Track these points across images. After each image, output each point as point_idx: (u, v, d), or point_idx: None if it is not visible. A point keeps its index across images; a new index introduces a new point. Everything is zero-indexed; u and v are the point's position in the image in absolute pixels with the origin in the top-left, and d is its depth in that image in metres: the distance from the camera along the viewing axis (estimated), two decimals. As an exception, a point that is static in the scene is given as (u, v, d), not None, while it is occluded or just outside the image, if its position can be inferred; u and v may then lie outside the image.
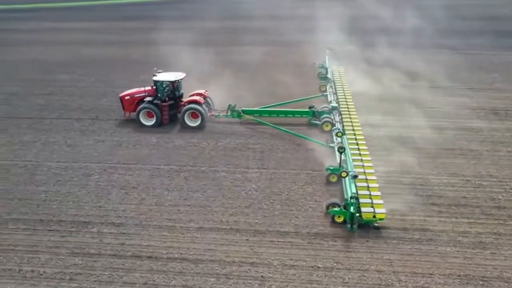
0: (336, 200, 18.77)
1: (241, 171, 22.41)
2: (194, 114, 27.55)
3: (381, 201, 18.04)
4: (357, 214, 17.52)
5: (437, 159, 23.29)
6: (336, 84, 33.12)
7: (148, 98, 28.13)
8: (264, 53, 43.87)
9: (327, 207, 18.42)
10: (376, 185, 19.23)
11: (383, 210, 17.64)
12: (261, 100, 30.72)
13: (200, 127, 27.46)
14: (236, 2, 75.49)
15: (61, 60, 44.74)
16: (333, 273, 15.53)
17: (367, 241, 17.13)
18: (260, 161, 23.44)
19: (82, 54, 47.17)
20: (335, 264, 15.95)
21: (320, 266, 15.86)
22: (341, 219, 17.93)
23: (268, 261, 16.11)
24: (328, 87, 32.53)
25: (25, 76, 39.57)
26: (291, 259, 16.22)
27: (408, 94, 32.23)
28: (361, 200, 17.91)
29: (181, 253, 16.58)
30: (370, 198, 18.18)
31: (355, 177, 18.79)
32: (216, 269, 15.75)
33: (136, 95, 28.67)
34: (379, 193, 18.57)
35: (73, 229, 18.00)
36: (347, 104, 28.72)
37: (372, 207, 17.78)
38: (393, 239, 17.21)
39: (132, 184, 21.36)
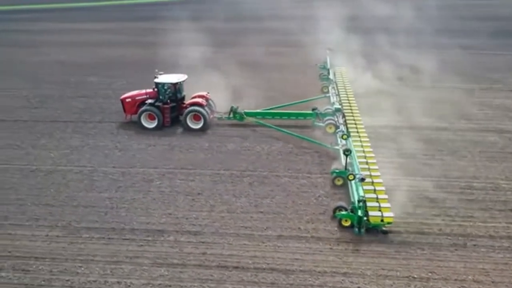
0: (343, 203, 18.46)
1: (304, 176, 21.93)
2: (197, 116, 27.30)
3: (388, 205, 17.69)
4: (365, 218, 17.23)
5: (502, 163, 22.92)
6: (339, 84, 33.11)
7: (149, 100, 27.79)
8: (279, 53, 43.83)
9: (334, 211, 18.17)
10: (383, 188, 18.87)
11: (391, 214, 17.27)
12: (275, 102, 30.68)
13: (202, 130, 27.19)
14: (243, 3, 74.81)
15: (87, 62, 44.33)
16: (431, 284, 15.03)
17: (456, 249, 16.64)
18: (320, 165, 22.96)
19: (106, 55, 46.74)
20: (430, 274, 15.44)
21: (415, 276, 15.36)
22: (348, 223, 17.63)
23: (361, 271, 15.57)
24: (330, 88, 32.36)
25: (56, 78, 39.12)
26: (383, 269, 15.67)
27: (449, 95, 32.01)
28: (369, 204, 17.53)
29: (267, 263, 16.02)
30: (378, 202, 17.84)
31: (362, 180, 18.45)
32: (309, 280, 15.20)
33: (137, 98, 28.35)
34: (386, 196, 18.22)
35: (149, 238, 17.43)
36: (350, 105, 28.73)
37: (380, 210, 17.42)
38: (481, 247, 16.73)
39: (196, 190, 20.82)
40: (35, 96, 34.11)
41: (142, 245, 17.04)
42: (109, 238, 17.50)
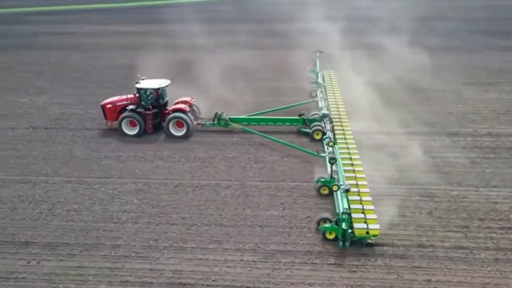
0: (327, 215, 17.58)
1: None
2: (179, 123, 26.41)
3: (374, 216, 16.82)
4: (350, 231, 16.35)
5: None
6: (327, 89, 32.33)
7: (131, 106, 26.90)
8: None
9: (318, 223, 17.31)
10: (369, 198, 17.98)
11: (376, 226, 16.43)
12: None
13: (185, 137, 26.24)
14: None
15: (146, 65, 40.77)
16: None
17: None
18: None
19: (165, 58, 41.69)
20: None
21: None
22: (332, 236, 16.77)
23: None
24: (318, 92, 31.63)
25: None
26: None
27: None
28: (353, 215, 16.67)
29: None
30: (363, 213, 16.95)
31: (347, 191, 17.55)
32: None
33: (118, 103, 27.49)
34: (372, 207, 17.35)
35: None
36: (338, 110, 27.82)
37: (365, 222, 16.56)
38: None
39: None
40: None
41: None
42: (312, 263, 15.87)
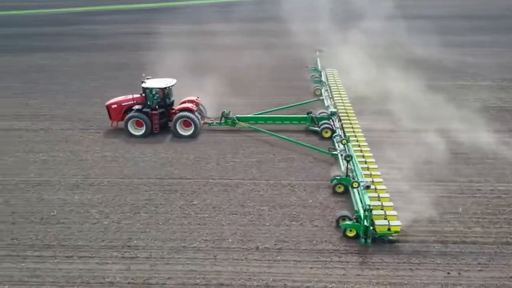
0: (346, 212, 17.56)
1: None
2: (187, 123, 26.13)
3: (394, 213, 16.76)
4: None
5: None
6: (332, 87, 32.24)
7: (137, 106, 26.54)
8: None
9: (337, 221, 17.20)
10: (387, 195, 17.93)
11: (398, 222, 16.36)
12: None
13: (193, 136, 26.01)
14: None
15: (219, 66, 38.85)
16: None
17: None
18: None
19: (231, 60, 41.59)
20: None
21: None
22: (353, 233, 16.68)
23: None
24: (323, 90, 31.58)
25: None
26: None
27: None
28: (374, 212, 16.48)
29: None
30: (383, 210, 16.88)
31: (367, 187, 17.50)
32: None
33: (123, 103, 27.14)
34: (391, 204, 17.30)
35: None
36: (345, 109, 27.69)
37: (386, 219, 16.48)
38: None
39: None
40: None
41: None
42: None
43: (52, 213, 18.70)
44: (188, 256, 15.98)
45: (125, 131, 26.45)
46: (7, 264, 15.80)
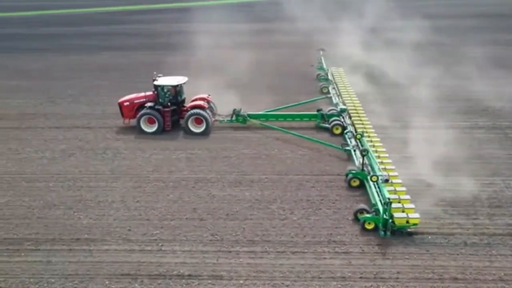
0: (364, 205, 17.93)
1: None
2: (198, 120, 26.40)
3: (412, 206, 17.13)
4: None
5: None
6: (339, 85, 32.60)
7: (149, 104, 26.81)
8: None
9: (355, 214, 17.55)
10: (404, 188, 18.30)
11: (416, 215, 16.71)
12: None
13: (204, 134, 26.30)
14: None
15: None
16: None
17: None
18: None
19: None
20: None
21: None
22: (371, 226, 17.03)
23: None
24: (330, 88, 32.03)
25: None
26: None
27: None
28: (393, 205, 16.82)
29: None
30: (401, 203, 17.24)
31: (386, 181, 17.92)
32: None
33: (135, 101, 27.43)
34: (408, 197, 17.69)
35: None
36: (354, 106, 27.98)
37: (404, 211, 16.86)
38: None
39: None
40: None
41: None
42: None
43: (236, 210, 18.85)
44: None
45: (137, 128, 26.66)
46: (223, 259, 15.86)
